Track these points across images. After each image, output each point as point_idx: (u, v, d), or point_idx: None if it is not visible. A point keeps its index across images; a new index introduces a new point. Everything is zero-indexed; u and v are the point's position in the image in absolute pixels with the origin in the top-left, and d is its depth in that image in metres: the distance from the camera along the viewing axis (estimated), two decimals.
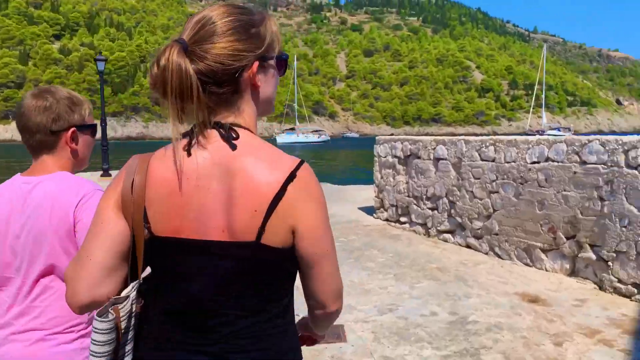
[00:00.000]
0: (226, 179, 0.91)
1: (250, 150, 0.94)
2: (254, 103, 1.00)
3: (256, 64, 0.97)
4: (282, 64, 1.05)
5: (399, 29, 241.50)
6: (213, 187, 0.92)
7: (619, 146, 4.15)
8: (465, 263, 5.32)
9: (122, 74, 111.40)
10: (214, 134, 0.94)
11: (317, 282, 0.98)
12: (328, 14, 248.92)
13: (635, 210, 4.05)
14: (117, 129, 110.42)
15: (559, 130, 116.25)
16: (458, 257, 5.55)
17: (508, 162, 5.28)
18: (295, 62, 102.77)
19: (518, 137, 5.26)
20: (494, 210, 5.50)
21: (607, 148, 4.25)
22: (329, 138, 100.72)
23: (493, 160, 5.48)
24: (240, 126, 0.96)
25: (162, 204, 0.93)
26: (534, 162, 4.97)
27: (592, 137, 4.45)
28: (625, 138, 4.11)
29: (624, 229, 4.15)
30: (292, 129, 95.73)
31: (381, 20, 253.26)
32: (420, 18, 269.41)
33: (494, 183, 5.47)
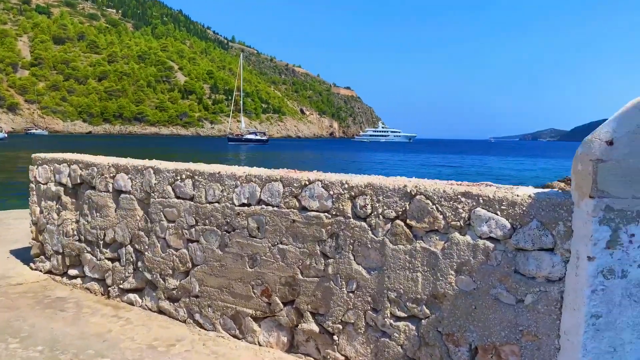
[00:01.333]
0: None
1: None
2: None
3: None
4: None
5: (96, 19, 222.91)
6: None
7: (345, 191, 3.29)
8: (156, 345, 3.78)
9: None
10: None
11: None
12: None
13: (364, 272, 3.24)
14: None
15: (256, 135, 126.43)
16: (146, 335, 3.97)
17: (211, 203, 3.98)
18: None
19: (223, 169, 4.02)
20: (194, 265, 4.14)
21: (331, 192, 3.35)
22: (6, 135, 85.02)
23: (192, 199, 4.10)
24: None
25: None
26: (243, 205, 3.79)
27: (313, 175, 3.50)
28: (353, 181, 3.27)
29: (351, 294, 3.31)
30: None
31: (74, 6, 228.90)
32: (120, 11, 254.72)
33: (193, 229, 4.10)
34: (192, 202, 4.09)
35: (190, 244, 4.14)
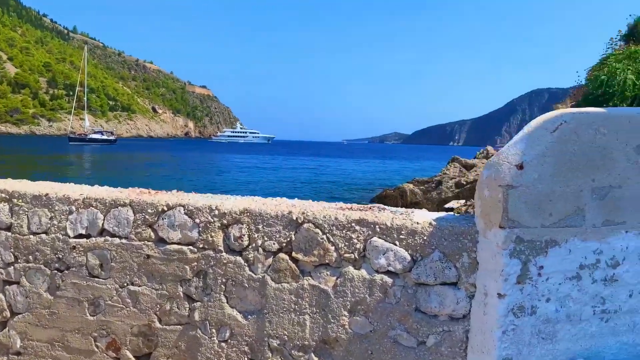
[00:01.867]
0: None
1: None
2: None
3: None
4: None
5: None
6: None
7: (215, 218, 2.69)
8: None
9: None
10: None
11: None
12: None
13: (239, 317, 2.68)
14: None
15: (102, 134, 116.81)
16: None
17: (36, 234, 3.07)
18: None
19: (52, 190, 3.14)
20: (13, 314, 3.18)
21: (197, 220, 2.73)
22: None
23: (9, 229, 3.14)
24: None
25: None
26: (80, 236, 2.98)
27: (173, 198, 2.83)
28: (225, 205, 2.69)
29: (223, 344, 2.72)
30: None
31: None
32: None
33: (11, 268, 3.14)
34: (10, 233, 3.13)
35: (7, 286, 3.17)
